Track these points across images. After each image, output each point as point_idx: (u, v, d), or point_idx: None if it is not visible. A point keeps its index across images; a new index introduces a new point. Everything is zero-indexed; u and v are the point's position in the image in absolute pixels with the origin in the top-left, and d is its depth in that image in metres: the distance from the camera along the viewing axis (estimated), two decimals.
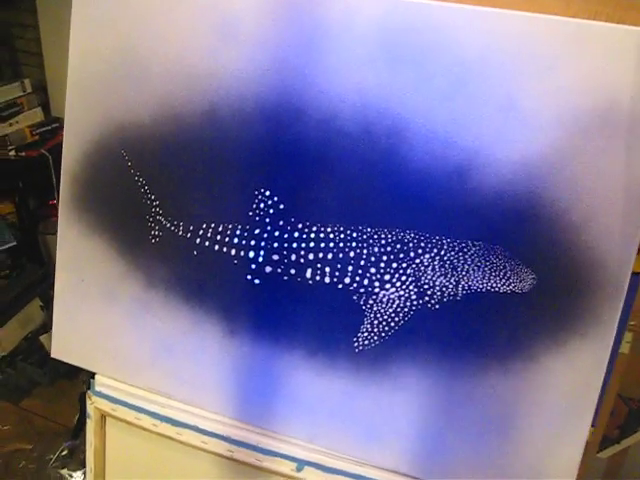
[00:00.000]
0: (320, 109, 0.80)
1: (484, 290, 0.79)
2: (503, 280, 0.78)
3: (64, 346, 1.01)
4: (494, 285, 0.78)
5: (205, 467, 0.95)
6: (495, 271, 0.78)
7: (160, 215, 0.91)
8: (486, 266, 0.78)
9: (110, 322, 0.96)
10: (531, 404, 0.80)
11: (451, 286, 0.80)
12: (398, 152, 0.78)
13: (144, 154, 0.90)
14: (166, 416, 0.94)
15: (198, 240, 0.89)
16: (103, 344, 0.98)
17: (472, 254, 0.78)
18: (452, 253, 0.79)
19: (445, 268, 0.79)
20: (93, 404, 0.96)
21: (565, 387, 0.79)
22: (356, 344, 0.84)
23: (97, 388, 0.98)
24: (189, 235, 0.89)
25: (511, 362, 0.79)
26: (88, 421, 0.98)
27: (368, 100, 0.78)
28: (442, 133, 0.76)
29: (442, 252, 0.79)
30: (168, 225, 0.90)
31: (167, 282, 0.92)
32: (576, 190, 0.74)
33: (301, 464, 0.90)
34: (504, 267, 0.78)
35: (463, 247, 0.78)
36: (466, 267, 0.79)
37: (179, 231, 0.90)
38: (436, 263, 0.80)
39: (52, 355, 1.01)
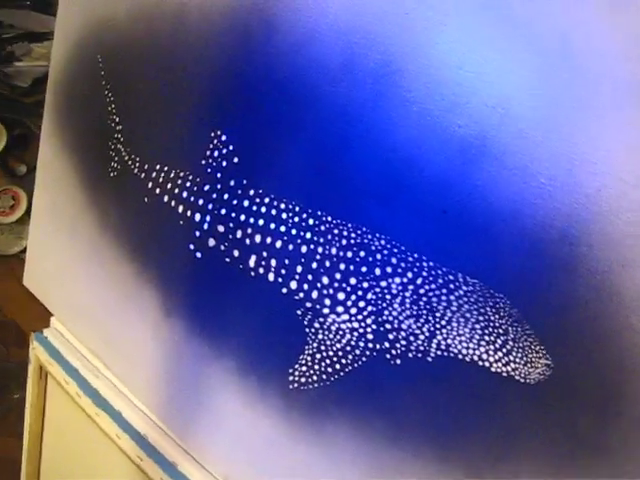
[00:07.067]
0: (296, 27, 0.53)
1: (468, 359, 0.47)
2: (499, 353, 0.46)
3: (33, 275, 0.88)
4: (483, 356, 0.46)
5: (114, 467, 0.76)
6: (490, 334, 0.46)
7: (120, 143, 0.71)
8: (477, 322, 0.47)
9: (69, 260, 0.80)
10: None
11: (422, 337, 0.49)
12: (384, 106, 0.49)
13: (117, 62, 0.71)
14: (92, 388, 0.76)
15: (150, 184, 0.68)
16: (61, 283, 0.82)
17: (461, 296, 0.47)
18: (433, 286, 0.48)
19: (419, 307, 0.49)
20: (34, 349, 0.82)
21: None
22: (291, 378, 0.58)
23: (44, 332, 0.83)
24: (143, 176, 0.69)
25: None
26: (29, 366, 0.85)
27: (354, 18, 0.50)
28: (450, 87, 0.45)
29: (419, 280, 0.49)
30: (126, 158, 0.71)
31: (117, 229, 0.73)
32: None
33: None
34: (505, 332, 0.45)
35: (449, 281, 0.47)
36: (448, 314, 0.48)
37: (135, 168, 0.70)
38: (407, 295, 0.50)
39: (24, 282, 0.89)
